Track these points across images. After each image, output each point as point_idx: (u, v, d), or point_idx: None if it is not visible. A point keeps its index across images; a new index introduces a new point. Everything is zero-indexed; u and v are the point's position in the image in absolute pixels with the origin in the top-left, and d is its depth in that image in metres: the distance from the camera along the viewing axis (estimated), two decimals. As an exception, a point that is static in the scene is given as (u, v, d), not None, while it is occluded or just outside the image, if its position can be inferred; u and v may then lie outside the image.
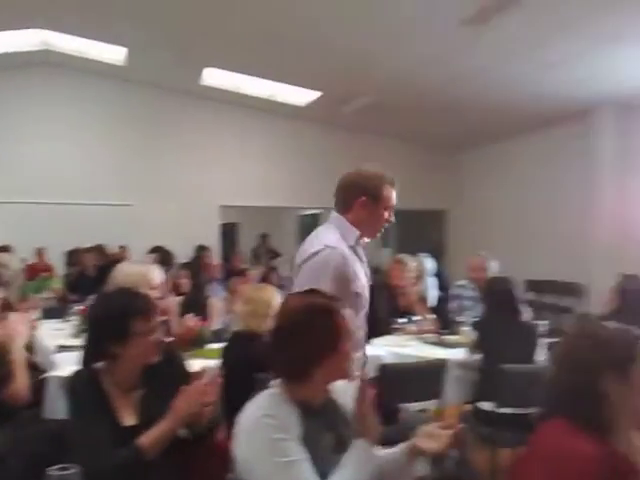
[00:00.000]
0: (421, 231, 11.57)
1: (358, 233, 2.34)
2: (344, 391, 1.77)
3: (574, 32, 5.65)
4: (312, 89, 8.65)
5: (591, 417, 1.49)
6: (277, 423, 1.52)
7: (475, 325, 3.73)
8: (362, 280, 2.33)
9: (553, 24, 5.52)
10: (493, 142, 10.01)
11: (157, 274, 2.89)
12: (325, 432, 1.64)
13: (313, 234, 2.40)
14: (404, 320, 4.62)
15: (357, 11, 5.74)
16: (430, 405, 3.73)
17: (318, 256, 2.20)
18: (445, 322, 4.94)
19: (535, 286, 9.11)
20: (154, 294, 2.58)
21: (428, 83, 7.41)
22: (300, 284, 2.17)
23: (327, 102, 8.87)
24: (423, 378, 3.63)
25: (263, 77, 8.52)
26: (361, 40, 6.49)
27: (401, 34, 6.15)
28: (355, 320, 2.24)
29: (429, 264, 6.39)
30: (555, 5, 5.16)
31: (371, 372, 3.58)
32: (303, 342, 1.61)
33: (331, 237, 2.27)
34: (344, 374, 1.70)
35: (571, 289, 8.09)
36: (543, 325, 4.44)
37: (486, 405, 3.54)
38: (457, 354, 3.84)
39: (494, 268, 5.30)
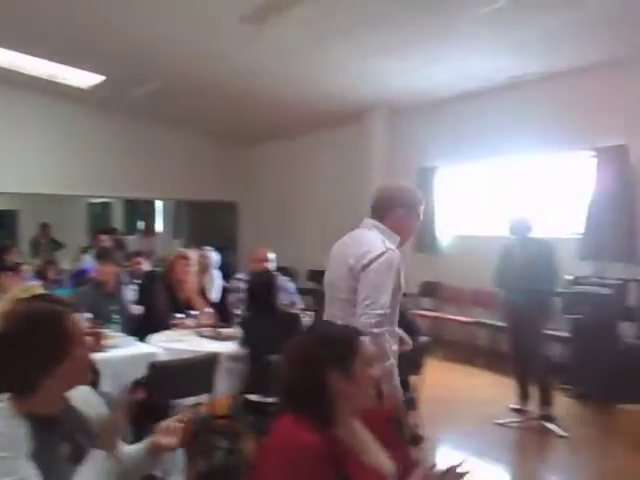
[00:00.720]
0: (213, 223, 11.63)
1: (399, 239, 2.67)
2: (84, 397, 1.75)
3: (350, 39, 6.05)
4: (95, 72, 8.24)
5: (317, 410, 1.64)
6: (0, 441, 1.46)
7: (240, 321, 3.90)
8: None
9: (331, 29, 5.86)
10: (281, 138, 10.40)
11: None
12: (60, 443, 1.60)
13: (356, 237, 2.68)
14: (181, 315, 4.66)
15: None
16: (203, 399, 3.85)
17: (384, 257, 2.50)
18: (226, 315, 5.07)
19: (315, 276, 9.68)
20: None
21: (213, 75, 7.48)
22: (369, 282, 2.49)
23: (112, 86, 8.52)
24: (195, 372, 3.72)
25: (41, 57, 7.93)
26: (145, 27, 6.34)
27: (185, 25, 6.12)
28: (396, 313, 2.62)
29: (214, 257, 6.49)
30: (332, 12, 5.48)
31: (142, 370, 3.61)
32: (25, 353, 1.53)
33: (386, 241, 2.58)
34: (79, 380, 1.66)
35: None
36: (310, 315, 4.77)
37: (254, 396, 3.72)
38: (230, 347, 3.98)
39: (273, 260, 5.54)
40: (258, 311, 3.78)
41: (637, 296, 5.60)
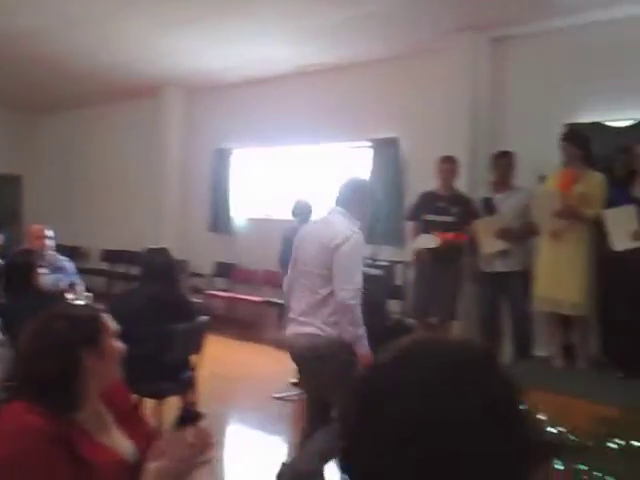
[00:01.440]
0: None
1: (359, 224, 3.16)
2: None
3: (143, 10, 5.81)
4: None
5: (58, 395, 1.58)
6: None
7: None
8: None
9: (120, 1, 5.65)
10: (72, 109, 9.83)
11: None
12: None
13: (326, 221, 3.22)
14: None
15: None
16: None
17: (352, 239, 3.01)
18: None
19: (109, 256, 9.36)
20: None
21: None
22: (344, 263, 2.99)
23: None
24: None
25: None
26: None
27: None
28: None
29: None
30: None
31: None
32: None
33: (352, 225, 3.09)
34: None
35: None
36: (88, 297, 4.65)
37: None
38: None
39: (51, 238, 5.26)
40: (16, 293, 3.56)
41: (403, 276, 6.21)
